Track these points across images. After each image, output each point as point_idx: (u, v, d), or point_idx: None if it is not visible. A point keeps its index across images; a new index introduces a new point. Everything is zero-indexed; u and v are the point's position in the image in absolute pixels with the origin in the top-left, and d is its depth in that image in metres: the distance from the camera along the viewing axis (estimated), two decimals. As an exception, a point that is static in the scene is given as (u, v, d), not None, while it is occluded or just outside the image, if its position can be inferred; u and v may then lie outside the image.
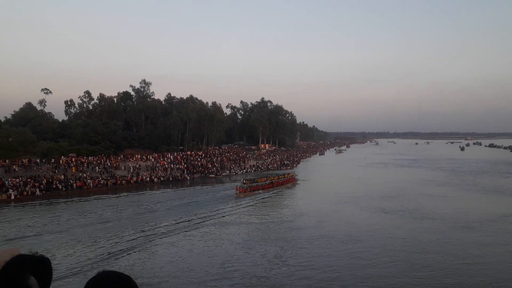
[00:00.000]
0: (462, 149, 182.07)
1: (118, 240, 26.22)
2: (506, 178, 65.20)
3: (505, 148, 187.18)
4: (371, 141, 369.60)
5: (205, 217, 34.25)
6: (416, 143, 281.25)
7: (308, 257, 23.03)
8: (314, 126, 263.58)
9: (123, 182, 53.73)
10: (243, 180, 50.51)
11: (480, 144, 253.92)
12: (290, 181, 57.15)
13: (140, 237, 27.36)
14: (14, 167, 48.23)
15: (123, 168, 58.68)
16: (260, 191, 49.54)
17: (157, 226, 30.58)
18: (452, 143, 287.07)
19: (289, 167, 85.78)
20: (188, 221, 32.56)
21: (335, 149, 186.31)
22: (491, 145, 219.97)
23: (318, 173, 74.81)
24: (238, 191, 46.51)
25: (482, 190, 51.63)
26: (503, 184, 57.60)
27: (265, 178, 53.71)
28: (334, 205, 40.55)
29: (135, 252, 23.83)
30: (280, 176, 56.35)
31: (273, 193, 49.62)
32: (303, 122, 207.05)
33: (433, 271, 20.77)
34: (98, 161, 57.49)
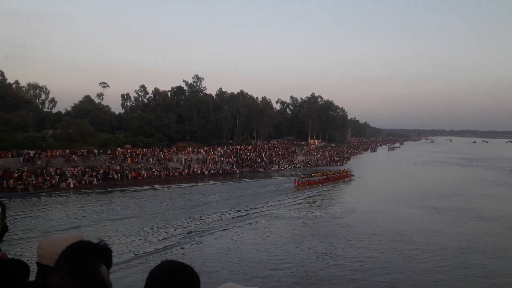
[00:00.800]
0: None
1: (171, 230, 26.86)
2: None
3: None
4: (426, 139, 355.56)
5: (257, 210, 34.35)
6: (474, 142, 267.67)
7: (357, 255, 22.38)
8: (365, 122, 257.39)
9: (175, 173, 55.13)
10: (300, 175, 50.99)
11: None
12: (346, 176, 57.58)
13: (194, 228, 27.85)
14: (74, 157, 50.71)
15: (175, 160, 60.18)
16: (317, 185, 50.18)
17: (211, 217, 31.01)
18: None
19: (339, 164, 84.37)
20: (239, 213, 32.83)
21: (388, 146, 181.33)
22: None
23: (369, 170, 72.80)
24: (297, 184, 47.36)
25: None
26: None
27: (321, 173, 54.75)
28: (386, 203, 39.28)
29: (190, 242, 24.27)
30: (336, 172, 57.15)
31: (329, 187, 49.77)
32: (354, 118, 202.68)
33: (486, 272, 19.76)
34: (152, 153, 59.29)
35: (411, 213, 34.56)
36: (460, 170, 77.99)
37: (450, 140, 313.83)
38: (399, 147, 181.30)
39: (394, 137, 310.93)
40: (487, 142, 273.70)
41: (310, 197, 42.30)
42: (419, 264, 21.11)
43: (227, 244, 23.91)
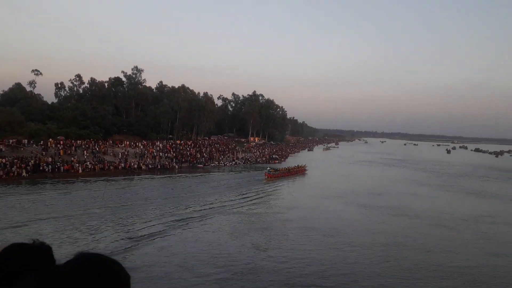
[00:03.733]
0: (448, 152, 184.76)
1: (108, 228, 26.18)
2: (484, 182, 66.89)
3: (490, 153, 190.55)
4: (359, 140, 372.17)
5: (197, 208, 34.29)
6: (405, 144, 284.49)
7: (291, 248, 23.53)
8: (303, 122, 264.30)
9: (111, 167, 53.52)
10: (269, 169, 58.45)
11: (466, 148, 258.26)
12: (303, 171, 66.74)
13: (132, 232, 27.35)
14: (1, 147, 47.68)
15: (111, 153, 58.40)
16: (282, 177, 57.54)
17: (149, 217, 30.56)
18: (438, 145, 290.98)
19: (277, 161, 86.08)
20: (178, 211, 32.62)
21: (324, 145, 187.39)
22: (477, 150, 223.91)
23: (307, 168, 75.51)
24: (267, 177, 55.20)
25: (459, 191, 53.41)
26: (480, 187, 59.20)
27: (285, 168, 62.91)
28: (322, 199, 41.38)
29: (142, 241, 23.73)
30: (296, 167, 66.02)
31: (288, 181, 56.05)
32: (293, 117, 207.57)
33: (405, 263, 21.53)
34: (87, 146, 57.12)
35: (344, 210, 36.62)
36: (390, 170, 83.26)
37: (384, 142, 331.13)
38: (335, 147, 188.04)
39: (330, 137, 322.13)
40: (416, 144, 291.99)
41: (256, 193, 42.93)
42: (349, 255, 22.57)
43: (170, 242, 23.75)
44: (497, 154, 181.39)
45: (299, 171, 65.24)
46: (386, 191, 49.34)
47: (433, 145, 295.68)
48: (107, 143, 62.00)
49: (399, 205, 39.75)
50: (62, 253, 17.71)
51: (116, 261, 1.25)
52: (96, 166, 52.01)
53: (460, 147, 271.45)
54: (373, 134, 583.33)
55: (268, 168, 59.77)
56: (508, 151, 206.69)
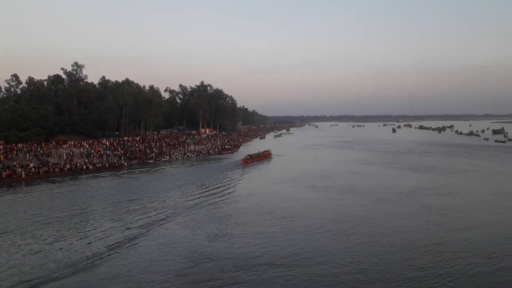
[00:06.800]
0: (394, 131, 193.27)
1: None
2: (426, 157, 70.97)
3: (433, 129, 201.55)
4: (309, 125, 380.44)
5: (154, 204, 34.00)
6: (353, 126, 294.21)
7: (248, 233, 24.59)
8: (254, 110, 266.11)
9: (56, 169, 51.77)
10: (246, 155, 65.96)
11: (410, 126, 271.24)
12: (269, 155, 74.03)
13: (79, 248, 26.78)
14: None
15: (55, 155, 56.37)
16: (257, 161, 65.27)
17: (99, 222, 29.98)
18: (385, 125, 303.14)
19: (229, 152, 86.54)
20: (133, 207, 32.25)
21: (275, 132, 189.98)
22: (421, 127, 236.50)
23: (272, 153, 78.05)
24: (244, 163, 61.08)
25: (403, 168, 56.80)
26: (422, 162, 62.89)
27: (256, 154, 69.88)
28: (276, 185, 42.92)
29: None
30: (264, 152, 73.62)
31: (260, 164, 62.71)
32: (243, 106, 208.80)
33: (356, 237, 22.88)
34: (29, 148, 54.81)
35: (296, 193, 38.33)
36: (339, 152, 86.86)
37: (336, 125, 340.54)
38: (286, 133, 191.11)
39: (281, 124, 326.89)
40: (363, 126, 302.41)
41: (213, 185, 43.10)
42: (301, 236, 23.87)
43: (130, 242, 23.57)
44: (440, 130, 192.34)
45: (266, 155, 73.00)
46: (336, 173, 51.64)
47: (379, 125, 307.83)
48: (51, 144, 59.81)
49: (348, 185, 41.97)
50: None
51: None
52: (40, 169, 50.13)
53: (405, 125, 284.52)
54: (322, 118, 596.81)
55: (245, 154, 67.40)
56: (450, 127, 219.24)
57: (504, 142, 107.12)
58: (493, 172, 51.40)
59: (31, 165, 50.22)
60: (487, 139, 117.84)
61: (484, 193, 37.09)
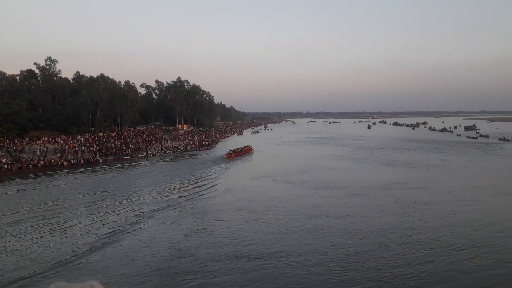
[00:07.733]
0: (369, 127, 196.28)
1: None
2: (399, 153, 72.53)
3: (407, 126, 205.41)
4: (287, 121, 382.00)
5: (132, 201, 33.86)
6: (330, 123, 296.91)
7: (226, 227, 24.99)
8: (231, 106, 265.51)
9: (29, 166, 50.79)
10: (229, 150, 68.48)
11: (385, 122, 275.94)
12: (250, 150, 76.69)
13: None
14: None
15: (29, 151, 55.26)
16: (239, 156, 67.73)
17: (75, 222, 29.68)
18: (360, 121, 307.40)
19: (207, 148, 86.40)
20: (107, 204, 32.03)
21: (253, 129, 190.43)
22: (395, 123, 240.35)
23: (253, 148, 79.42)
24: (227, 157, 63.81)
25: (377, 163, 58.11)
26: (395, 158, 64.39)
27: (238, 149, 72.04)
28: (253, 180, 43.49)
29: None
30: (246, 147, 75.91)
31: (242, 160, 64.18)
32: (221, 103, 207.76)
33: (330, 230, 23.60)
34: (1, 144, 53.54)
35: (274, 188, 38.96)
36: (316, 148, 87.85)
37: (314, 121, 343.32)
38: (266, 129, 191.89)
39: (258, 120, 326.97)
40: (339, 122, 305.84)
41: (191, 182, 43.11)
42: (278, 229, 24.46)
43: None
44: (414, 126, 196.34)
45: (248, 150, 75.96)
46: (312, 168, 52.48)
47: (355, 122, 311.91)
48: (24, 140, 58.58)
49: (323, 179, 42.90)
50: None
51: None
52: (13, 166, 49.11)
53: (380, 122, 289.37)
54: (299, 115, 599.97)
55: (229, 149, 70.01)
56: (424, 123, 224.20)
57: (476, 138, 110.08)
58: (464, 167, 53.09)
59: (4, 161, 49.17)
60: (460, 135, 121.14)
61: (454, 187, 38.47)
